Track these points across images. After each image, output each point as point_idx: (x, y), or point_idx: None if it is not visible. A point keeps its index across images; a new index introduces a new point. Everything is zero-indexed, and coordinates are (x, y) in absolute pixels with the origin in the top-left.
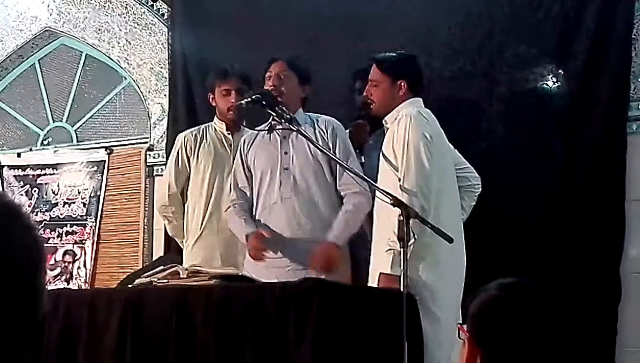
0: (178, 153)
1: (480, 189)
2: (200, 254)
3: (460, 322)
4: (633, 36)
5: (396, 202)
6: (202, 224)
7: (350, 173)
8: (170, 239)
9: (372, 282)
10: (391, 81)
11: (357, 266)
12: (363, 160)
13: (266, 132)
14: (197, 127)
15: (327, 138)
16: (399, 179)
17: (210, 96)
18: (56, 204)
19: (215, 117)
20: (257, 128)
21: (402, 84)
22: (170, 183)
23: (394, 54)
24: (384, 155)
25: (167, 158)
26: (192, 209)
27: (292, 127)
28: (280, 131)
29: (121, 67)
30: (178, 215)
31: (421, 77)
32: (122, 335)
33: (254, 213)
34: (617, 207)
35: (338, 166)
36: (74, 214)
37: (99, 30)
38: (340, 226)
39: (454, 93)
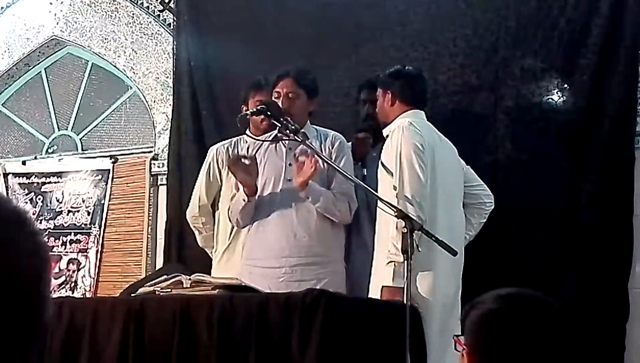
0: (210, 165)
1: (492, 207)
2: (228, 264)
3: (456, 333)
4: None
5: (400, 214)
6: (230, 235)
7: (354, 185)
8: (170, 249)
9: (374, 295)
10: (382, 93)
11: (356, 280)
12: (365, 173)
13: (270, 142)
14: (229, 140)
15: (333, 152)
16: (394, 188)
17: (244, 108)
18: (60, 212)
19: (248, 130)
20: (259, 138)
21: (389, 95)
22: (201, 194)
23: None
24: (382, 164)
25: (169, 166)
26: (222, 221)
27: (297, 139)
28: (286, 142)
29: (127, 77)
30: (208, 226)
31: (412, 89)
32: (124, 344)
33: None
34: (624, 223)
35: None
36: (78, 222)
37: (105, 39)
38: (324, 192)
39: (459, 106)
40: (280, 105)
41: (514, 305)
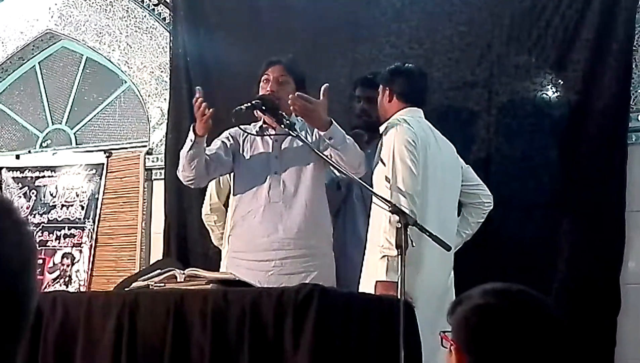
0: None
1: (490, 207)
2: None
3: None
4: (633, 47)
5: (395, 209)
6: None
7: (349, 178)
8: (170, 243)
9: (364, 289)
10: (382, 89)
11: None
12: None
13: (255, 134)
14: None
15: (320, 141)
16: (387, 179)
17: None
18: (54, 206)
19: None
20: (246, 131)
21: (387, 91)
22: (212, 193)
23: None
24: (381, 161)
25: (166, 161)
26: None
27: (291, 133)
28: (272, 135)
29: (121, 71)
30: (220, 224)
31: (411, 87)
32: (118, 338)
33: (234, 217)
34: (617, 218)
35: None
36: (72, 217)
37: (100, 33)
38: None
39: (453, 102)
40: (269, 89)
41: (500, 299)
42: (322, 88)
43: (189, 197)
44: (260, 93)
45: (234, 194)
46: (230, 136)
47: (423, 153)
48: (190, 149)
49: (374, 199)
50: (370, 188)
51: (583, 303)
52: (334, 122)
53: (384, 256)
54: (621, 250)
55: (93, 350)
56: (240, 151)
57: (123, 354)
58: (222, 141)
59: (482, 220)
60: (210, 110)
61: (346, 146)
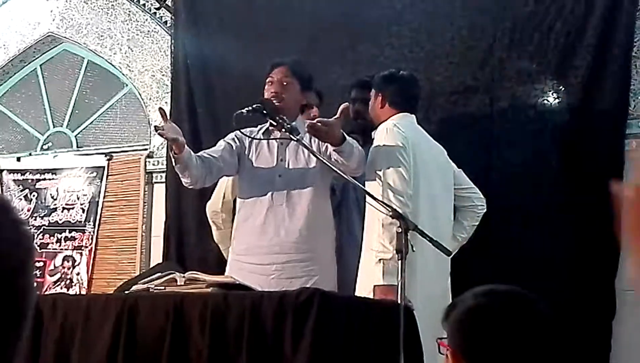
0: None
1: (484, 210)
2: None
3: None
4: (633, 54)
5: (395, 214)
6: None
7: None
8: (168, 247)
9: (360, 294)
10: (375, 94)
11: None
12: None
13: (262, 137)
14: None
15: (322, 145)
16: (379, 178)
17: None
18: (55, 209)
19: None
20: (247, 135)
21: (380, 97)
22: (226, 190)
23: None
24: (371, 165)
25: (167, 165)
26: None
27: (292, 137)
28: (277, 138)
29: (123, 74)
30: (227, 223)
31: (404, 94)
32: (116, 341)
33: (237, 219)
34: (613, 223)
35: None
36: (72, 219)
37: (101, 36)
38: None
39: (454, 107)
40: (273, 91)
41: (490, 300)
42: (341, 107)
43: (187, 201)
44: (265, 95)
45: (239, 196)
46: (237, 138)
47: (413, 157)
48: (176, 164)
49: (370, 202)
50: (371, 194)
51: (579, 307)
52: (346, 137)
53: (379, 260)
54: (616, 255)
55: (91, 352)
56: (246, 153)
57: (121, 357)
58: (228, 143)
59: (477, 223)
60: (174, 137)
61: (352, 154)
